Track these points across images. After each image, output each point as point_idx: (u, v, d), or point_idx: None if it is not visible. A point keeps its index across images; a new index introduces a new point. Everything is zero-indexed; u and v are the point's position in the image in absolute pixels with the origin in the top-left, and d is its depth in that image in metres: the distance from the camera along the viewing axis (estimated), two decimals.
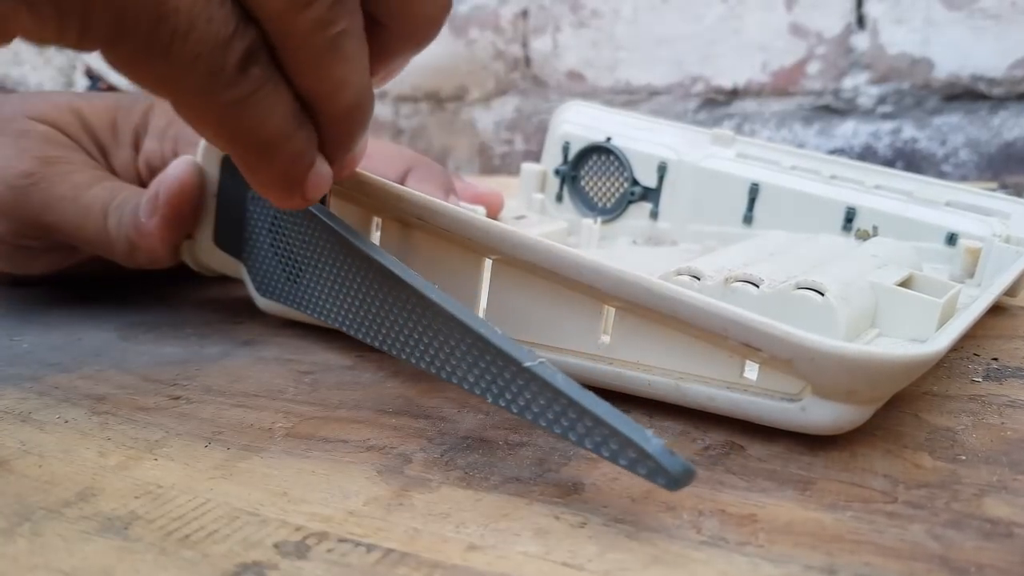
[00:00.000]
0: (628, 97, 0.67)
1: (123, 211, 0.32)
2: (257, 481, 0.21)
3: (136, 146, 0.36)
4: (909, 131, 0.61)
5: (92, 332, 0.34)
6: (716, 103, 0.66)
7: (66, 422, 0.25)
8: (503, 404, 0.21)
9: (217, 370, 0.29)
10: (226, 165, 0.31)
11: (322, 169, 0.22)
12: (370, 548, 0.18)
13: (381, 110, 0.75)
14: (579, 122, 0.44)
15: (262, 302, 0.32)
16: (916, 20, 0.59)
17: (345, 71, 0.21)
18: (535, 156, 0.72)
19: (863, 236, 0.35)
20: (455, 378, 0.23)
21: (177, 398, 0.26)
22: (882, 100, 0.61)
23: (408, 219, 0.27)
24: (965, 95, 0.60)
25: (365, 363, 0.29)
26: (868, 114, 0.62)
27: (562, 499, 0.20)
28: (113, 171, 0.35)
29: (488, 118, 0.73)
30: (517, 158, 0.72)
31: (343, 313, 0.27)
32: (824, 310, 0.25)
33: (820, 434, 0.22)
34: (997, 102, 0.59)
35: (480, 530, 0.19)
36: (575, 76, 0.70)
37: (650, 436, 0.18)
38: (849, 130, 0.62)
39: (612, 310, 0.24)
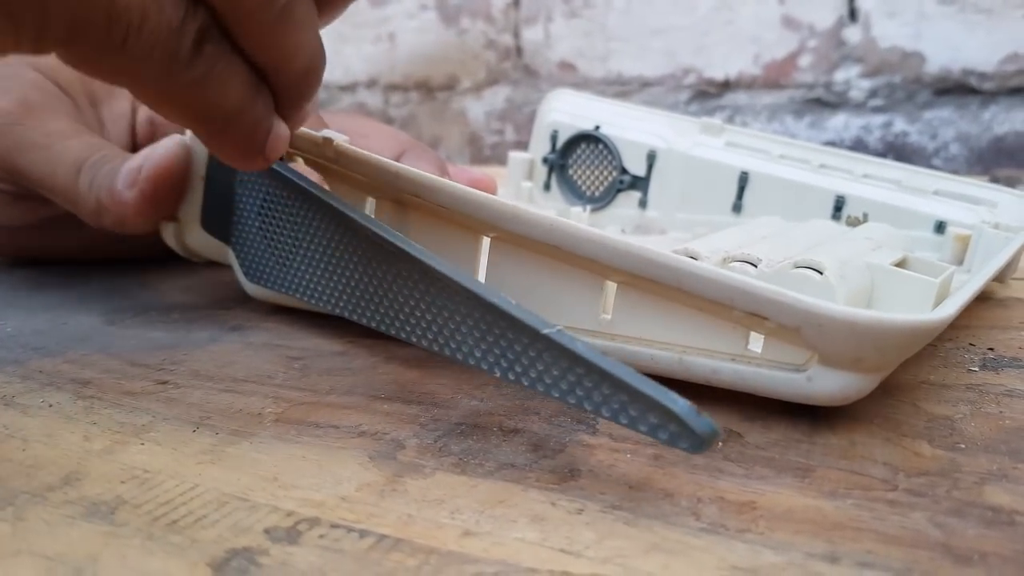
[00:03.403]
0: (620, 88, 0.67)
1: (98, 171, 0.31)
2: (246, 466, 0.21)
3: (135, 103, 0.35)
4: (900, 125, 0.61)
5: (77, 316, 0.33)
6: (708, 95, 0.65)
7: (50, 406, 0.24)
8: (512, 378, 0.21)
9: (205, 355, 0.28)
10: None
11: (280, 130, 0.23)
12: (363, 534, 0.17)
13: (371, 98, 0.74)
14: (567, 110, 0.43)
15: (250, 287, 0.32)
16: (908, 14, 0.59)
17: (298, 37, 0.21)
18: (526, 146, 0.72)
19: (854, 223, 0.35)
20: (459, 354, 0.22)
21: (164, 383, 0.26)
22: (873, 93, 0.61)
23: (403, 198, 0.27)
24: (956, 89, 0.60)
25: (356, 349, 0.29)
26: (859, 107, 0.62)
27: (558, 485, 0.20)
28: (101, 123, 0.34)
29: (479, 108, 0.72)
30: (508, 148, 0.72)
31: (337, 295, 0.26)
32: (823, 288, 0.25)
33: (826, 404, 0.22)
34: (988, 96, 0.59)
35: (475, 516, 0.18)
36: (567, 67, 0.70)
37: (676, 397, 0.18)
38: (840, 123, 0.62)
39: (613, 285, 0.23)
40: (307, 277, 0.28)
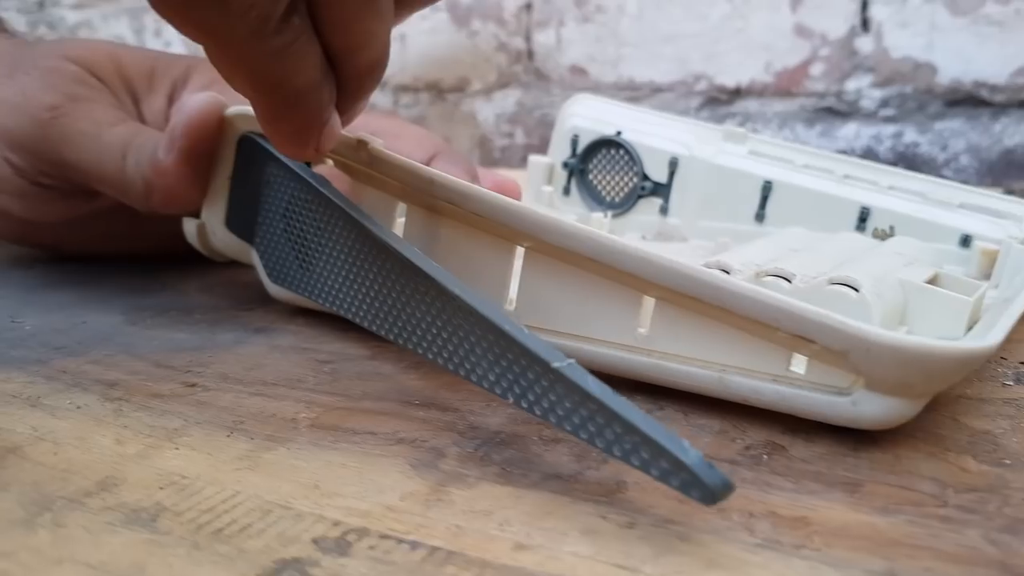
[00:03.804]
0: (631, 94, 0.67)
1: (142, 151, 0.31)
2: (285, 473, 0.20)
3: (171, 97, 0.35)
4: (911, 135, 0.61)
5: (97, 315, 0.33)
6: (719, 102, 0.65)
7: (78, 408, 0.24)
8: (525, 406, 0.20)
9: (232, 357, 0.28)
10: (243, 146, 0.30)
11: (335, 123, 0.24)
12: (414, 545, 0.17)
13: (380, 99, 0.74)
14: (588, 115, 0.43)
15: (273, 289, 0.32)
16: (921, 25, 0.59)
17: (375, 25, 0.22)
18: (536, 150, 0.71)
19: (881, 236, 0.35)
20: (474, 376, 0.22)
21: (193, 385, 0.26)
22: (885, 103, 0.61)
23: (436, 205, 0.27)
24: (967, 101, 0.60)
25: (384, 353, 0.28)
26: (870, 117, 0.62)
27: (606, 498, 0.19)
28: (142, 119, 0.34)
29: (489, 110, 0.72)
30: (517, 151, 0.71)
31: (356, 304, 0.26)
32: (859, 306, 0.25)
33: (870, 428, 0.21)
34: (999, 109, 0.59)
35: (525, 529, 0.18)
36: (578, 71, 0.70)
37: (687, 447, 0.17)
38: (851, 132, 0.62)
39: (652, 300, 0.23)
40: (328, 283, 0.27)
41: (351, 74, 0.23)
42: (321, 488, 0.19)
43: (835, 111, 0.63)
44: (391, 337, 0.25)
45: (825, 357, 0.21)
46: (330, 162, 0.30)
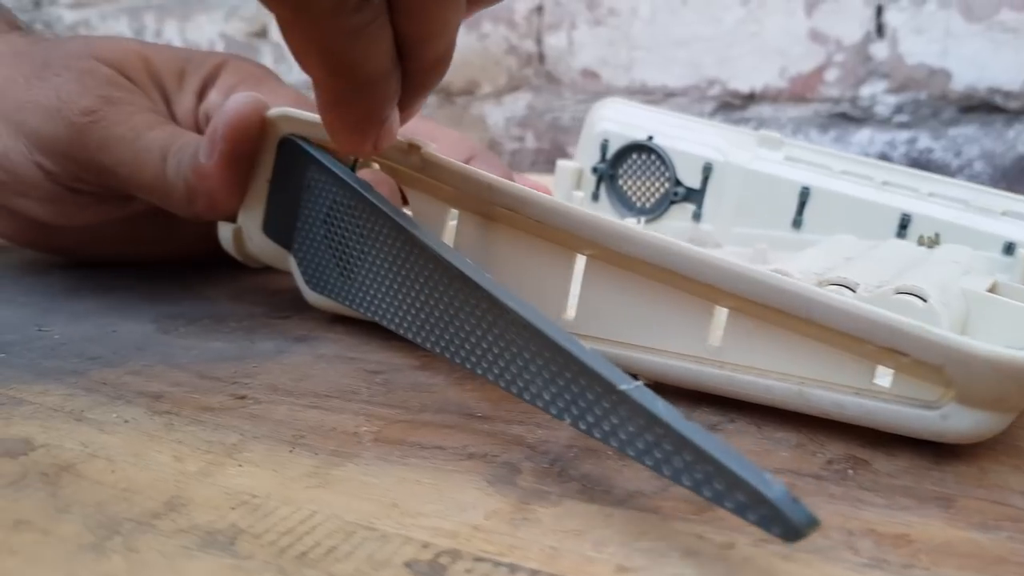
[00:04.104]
0: (643, 98, 0.66)
1: (182, 155, 0.30)
2: (359, 491, 0.19)
3: (201, 95, 0.34)
4: (925, 141, 0.61)
5: (126, 323, 0.32)
6: (732, 107, 0.65)
7: (126, 422, 0.23)
8: (583, 428, 0.19)
9: (276, 368, 0.27)
10: (283, 149, 0.29)
11: (394, 120, 0.23)
12: (512, 568, 0.16)
13: None
14: (619, 119, 0.42)
15: (311, 296, 0.31)
16: (935, 31, 0.59)
17: (448, 16, 0.21)
18: (546, 154, 0.71)
19: (928, 244, 0.35)
20: (527, 394, 0.21)
21: (242, 397, 0.25)
22: (899, 109, 0.61)
23: (491, 211, 0.26)
24: (981, 107, 0.59)
25: (434, 363, 0.28)
26: (884, 123, 0.62)
27: (697, 516, 0.18)
28: (174, 119, 0.33)
29: (499, 114, 0.71)
30: (527, 155, 0.71)
31: (400, 315, 0.25)
32: (928, 316, 0.24)
33: (957, 442, 0.21)
34: (1013, 115, 0.59)
35: (623, 550, 0.17)
36: (589, 75, 0.69)
37: (770, 480, 0.16)
38: (865, 138, 0.62)
39: (725, 311, 0.23)
40: (370, 293, 0.26)
41: (417, 67, 0.23)
42: (400, 507, 0.19)
43: (849, 117, 0.62)
44: (437, 350, 0.24)
45: (915, 370, 0.20)
46: (376, 166, 0.29)
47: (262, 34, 0.79)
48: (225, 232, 0.31)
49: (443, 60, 0.23)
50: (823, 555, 0.17)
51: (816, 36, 0.62)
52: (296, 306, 0.33)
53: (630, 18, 0.66)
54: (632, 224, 0.24)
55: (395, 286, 0.25)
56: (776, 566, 0.17)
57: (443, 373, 0.27)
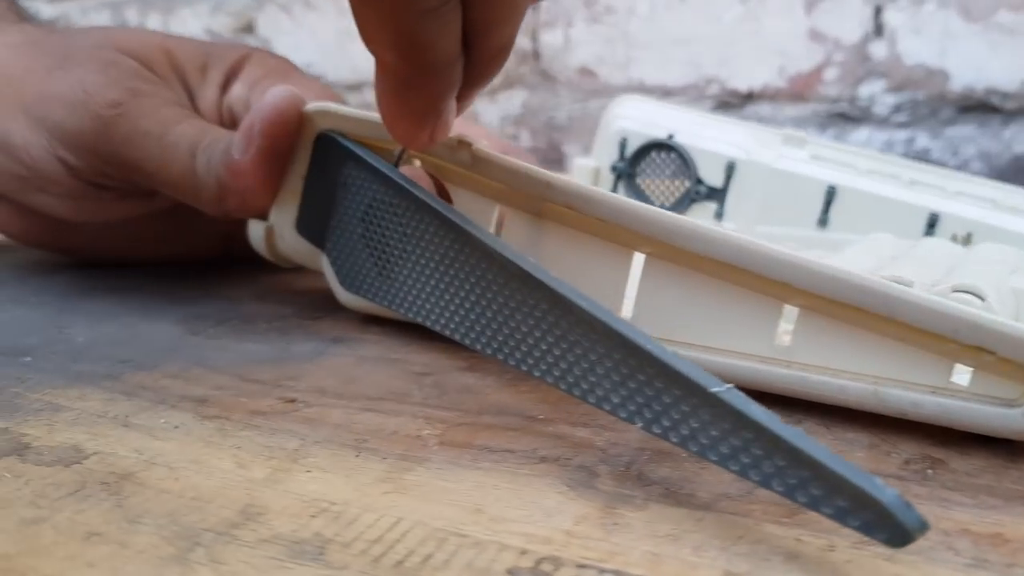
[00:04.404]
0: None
1: (213, 151, 0.29)
2: (438, 496, 0.19)
3: (224, 87, 0.33)
4: (923, 141, 0.61)
5: (150, 324, 0.31)
6: (730, 106, 0.65)
7: (176, 427, 0.22)
8: (657, 432, 0.19)
9: (320, 370, 0.26)
10: (319, 145, 0.29)
11: (451, 111, 0.23)
12: (619, 575, 0.16)
13: None
14: (637, 117, 0.42)
15: (345, 297, 0.30)
16: (934, 31, 0.60)
17: (516, 1, 0.21)
18: (542, 153, 0.70)
19: (961, 243, 0.35)
20: (592, 397, 0.20)
21: (292, 401, 0.24)
22: (897, 109, 0.62)
23: (543, 209, 0.25)
24: (979, 107, 0.60)
25: (481, 365, 0.27)
26: (883, 122, 0.62)
27: (789, 519, 0.18)
28: (198, 113, 0.32)
29: (493, 111, 0.71)
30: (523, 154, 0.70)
31: (447, 315, 0.25)
32: None
33: None
34: (1009, 115, 0.60)
35: (723, 555, 0.17)
36: (586, 73, 0.69)
37: (882, 484, 0.15)
38: (863, 137, 0.62)
39: (795, 309, 0.22)
40: (413, 293, 0.26)
41: (480, 56, 0.22)
42: (485, 512, 0.18)
43: (848, 116, 0.63)
44: (488, 352, 0.23)
45: (998, 368, 0.20)
46: (417, 163, 0.28)
47: (248, 29, 0.78)
48: (256, 230, 0.30)
49: (506, 49, 0.23)
50: (925, 556, 0.17)
51: (815, 35, 0.63)
52: (326, 306, 0.32)
53: (628, 16, 0.66)
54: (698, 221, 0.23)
55: (441, 286, 0.25)
56: (881, 568, 0.16)
57: (492, 375, 0.26)
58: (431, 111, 0.22)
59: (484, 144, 0.26)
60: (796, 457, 0.16)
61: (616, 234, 0.24)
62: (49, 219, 0.33)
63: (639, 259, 0.24)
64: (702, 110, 0.64)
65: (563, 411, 0.23)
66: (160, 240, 0.36)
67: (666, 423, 0.19)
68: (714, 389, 0.18)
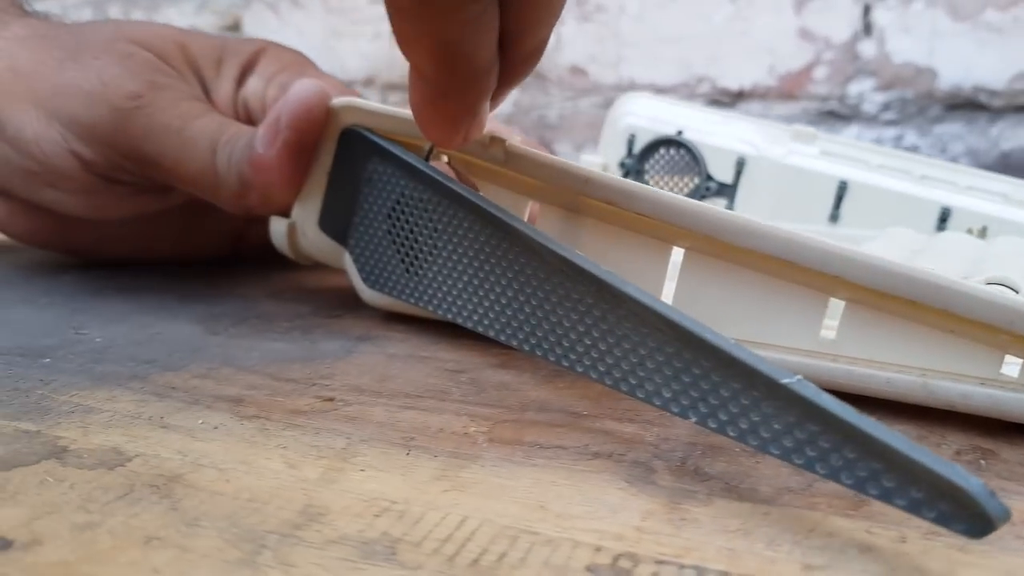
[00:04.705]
0: None
1: (235, 146, 0.28)
2: (498, 493, 0.18)
3: (239, 82, 0.32)
4: (911, 138, 0.62)
5: (167, 324, 0.30)
6: (721, 104, 0.65)
7: (215, 428, 0.22)
8: (713, 426, 0.19)
9: (352, 368, 0.26)
10: (344, 140, 0.28)
11: (485, 113, 0.22)
12: (700, 571, 0.16)
13: (368, 98, 0.71)
14: (645, 114, 0.42)
15: (368, 294, 0.29)
16: (922, 30, 0.60)
17: (554, 3, 0.21)
18: None
19: (977, 236, 0.35)
20: (641, 392, 0.20)
21: (330, 399, 0.23)
22: (886, 107, 0.62)
23: (577, 203, 0.25)
24: (966, 105, 0.61)
25: (515, 361, 0.27)
26: (872, 120, 0.63)
27: (855, 511, 0.18)
28: (213, 103, 0.31)
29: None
30: None
31: (481, 312, 0.24)
32: None
33: None
34: (996, 113, 0.61)
35: (798, 548, 0.17)
36: (577, 71, 0.69)
37: (966, 473, 0.15)
38: (852, 135, 0.63)
39: (841, 302, 0.22)
40: (444, 290, 0.25)
41: (515, 58, 0.22)
42: (549, 509, 0.18)
43: (837, 114, 0.63)
44: (527, 348, 0.23)
45: None
46: (445, 159, 0.28)
47: (234, 28, 0.77)
48: (278, 227, 0.30)
49: (540, 50, 0.22)
50: (996, 546, 0.17)
51: (805, 34, 0.63)
52: (345, 304, 0.32)
53: (618, 15, 0.66)
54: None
55: (475, 282, 0.24)
56: (956, 558, 0.16)
57: (527, 371, 0.26)
58: (467, 115, 0.22)
59: (517, 139, 0.25)
60: (870, 448, 0.16)
61: (654, 229, 0.24)
62: (56, 217, 0.32)
63: (678, 254, 0.24)
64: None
65: (606, 407, 0.23)
66: (169, 239, 0.36)
67: (724, 417, 0.19)
68: (785, 380, 0.17)
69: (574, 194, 0.25)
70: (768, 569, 0.16)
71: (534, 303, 0.23)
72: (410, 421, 0.22)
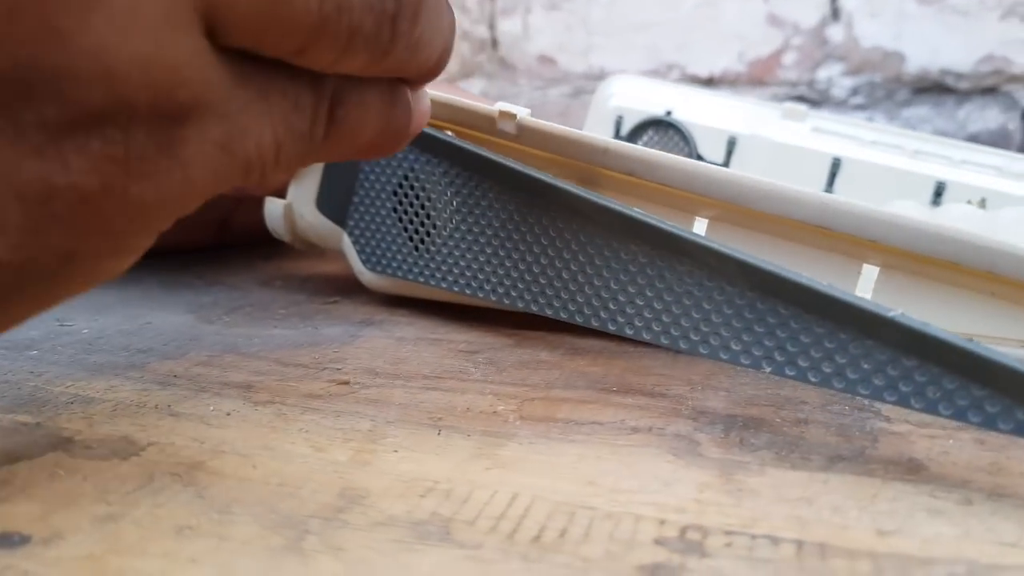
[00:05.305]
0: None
1: None
2: (543, 470, 0.17)
3: None
4: (880, 122, 0.62)
5: (156, 315, 0.28)
6: None
7: (228, 414, 0.20)
8: (791, 373, 0.19)
9: (362, 352, 0.25)
10: None
11: (421, 107, 0.20)
12: (773, 540, 0.15)
13: None
14: (632, 95, 0.41)
15: (368, 277, 0.28)
16: (889, 14, 0.61)
17: (435, 39, 0.18)
18: None
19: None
20: (704, 347, 0.20)
21: (345, 383, 0.22)
22: (855, 92, 0.63)
23: (594, 176, 0.24)
24: (933, 88, 0.62)
25: (528, 340, 0.26)
26: (841, 105, 0.63)
27: (913, 475, 0.17)
28: None
29: None
30: None
31: (507, 284, 0.24)
32: None
33: None
34: (963, 95, 0.61)
35: (866, 514, 0.16)
36: (546, 60, 0.68)
37: None
38: None
39: (874, 269, 0.22)
40: (463, 264, 0.25)
41: (419, 76, 0.19)
42: (600, 484, 0.17)
43: (807, 99, 0.63)
44: (562, 315, 0.22)
45: None
46: (450, 134, 0.27)
47: None
48: (274, 208, 0.29)
49: (446, 52, 0.20)
50: None
51: (773, 20, 0.63)
52: (340, 290, 0.31)
53: (587, 3, 0.65)
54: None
55: (501, 252, 0.24)
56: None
57: (544, 350, 0.25)
58: (394, 146, 0.19)
59: (526, 112, 0.25)
60: (978, 373, 0.16)
61: (675, 200, 0.23)
62: None
63: (701, 224, 0.24)
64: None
65: (633, 382, 0.23)
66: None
67: (803, 363, 0.18)
68: (891, 314, 0.17)
69: (591, 166, 0.24)
70: (842, 535, 0.15)
71: (574, 268, 0.22)
72: (434, 402, 0.21)
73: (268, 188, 0.28)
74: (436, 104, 0.26)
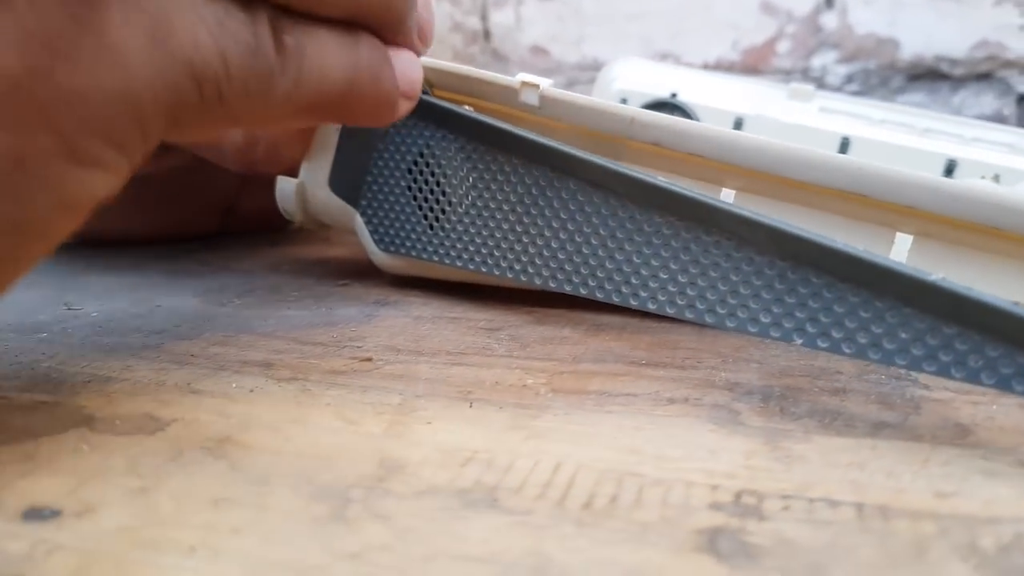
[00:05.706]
0: (595, 74, 0.65)
1: None
2: (583, 440, 0.17)
3: None
4: None
5: (167, 299, 0.28)
6: None
7: (251, 391, 0.20)
8: (824, 345, 0.18)
9: (381, 331, 0.24)
10: None
11: (407, 71, 0.20)
12: (831, 504, 0.14)
13: None
14: (636, 78, 0.41)
15: (381, 257, 0.28)
16: (883, 1, 0.61)
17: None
18: None
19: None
20: (731, 321, 0.19)
21: (368, 359, 0.22)
22: (849, 79, 0.63)
23: (618, 148, 0.24)
24: (928, 75, 0.62)
25: (548, 316, 0.25)
26: (835, 92, 0.63)
27: (962, 440, 0.17)
28: None
29: None
30: None
31: (526, 260, 0.23)
32: None
33: None
34: (957, 81, 0.61)
35: (920, 478, 0.16)
36: (539, 51, 0.67)
37: None
38: None
39: (908, 237, 0.21)
40: (479, 241, 0.24)
41: (379, 17, 0.19)
42: (644, 452, 0.16)
43: None
44: (582, 291, 0.22)
45: None
46: (468, 108, 0.26)
47: None
48: (286, 187, 0.28)
49: (401, 13, 0.19)
50: None
51: (767, 8, 0.63)
52: (350, 273, 0.30)
53: None
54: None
55: (519, 228, 0.23)
56: None
57: (567, 326, 0.25)
58: (380, 100, 0.19)
59: (548, 83, 0.24)
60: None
61: (702, 171, 0.23)
62: None
63: (728, 196, 0.23)
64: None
65: (663, 355, 0.22)
66: (153, 212, 0.33)
67: (837, 334, 0.18)
68: (932, 279, 0.17)
69: (614, 138, 0.24)
70: (900, 498, 0.15)
71: (594, 242, 0.22)
72: (461, 376, 0.21)
73: (278, 166, 0.27)
74: (455, 77, 0.25)
